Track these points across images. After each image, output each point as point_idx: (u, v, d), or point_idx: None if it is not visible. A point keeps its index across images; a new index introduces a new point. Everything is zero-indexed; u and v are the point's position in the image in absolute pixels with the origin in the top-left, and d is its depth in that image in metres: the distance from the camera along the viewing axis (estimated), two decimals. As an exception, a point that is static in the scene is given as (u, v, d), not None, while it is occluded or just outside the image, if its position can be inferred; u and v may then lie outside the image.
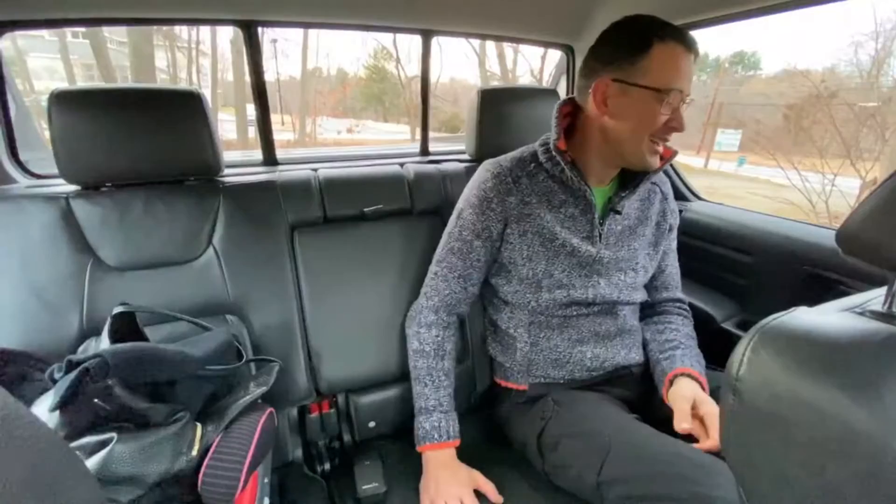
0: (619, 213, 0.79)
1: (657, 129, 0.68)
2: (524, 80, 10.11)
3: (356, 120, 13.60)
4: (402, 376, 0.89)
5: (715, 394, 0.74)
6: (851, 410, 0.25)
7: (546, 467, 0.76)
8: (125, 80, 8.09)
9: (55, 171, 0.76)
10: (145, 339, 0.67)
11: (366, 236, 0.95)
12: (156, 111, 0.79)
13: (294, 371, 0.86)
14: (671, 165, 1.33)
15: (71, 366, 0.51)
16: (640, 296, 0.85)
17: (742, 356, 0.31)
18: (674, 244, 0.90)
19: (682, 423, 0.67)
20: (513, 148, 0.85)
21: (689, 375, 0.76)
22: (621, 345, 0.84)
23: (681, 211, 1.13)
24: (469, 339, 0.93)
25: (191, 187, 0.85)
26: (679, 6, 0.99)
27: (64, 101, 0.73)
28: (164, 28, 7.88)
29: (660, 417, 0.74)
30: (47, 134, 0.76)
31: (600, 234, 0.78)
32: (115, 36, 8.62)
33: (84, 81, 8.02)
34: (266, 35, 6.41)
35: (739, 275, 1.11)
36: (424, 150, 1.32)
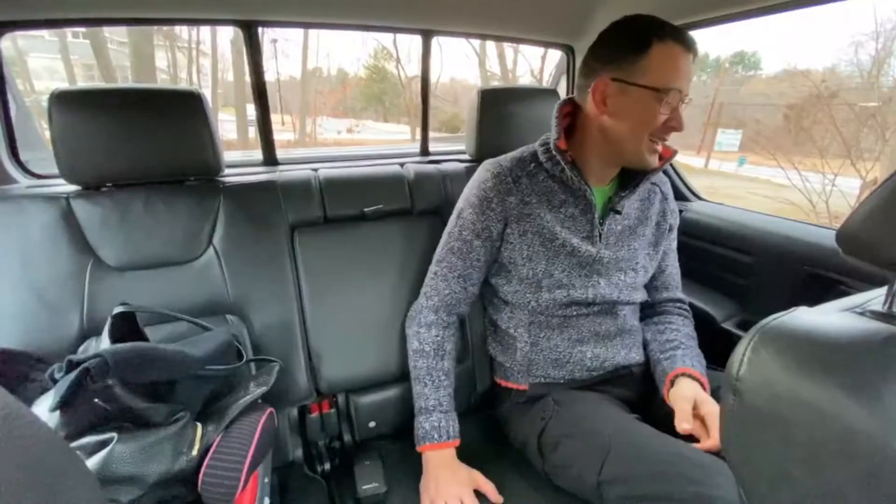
0: (619, 212, 0.79)
1: (656, 128, 0.69)
2: (524, 80, 10.12)
3: (356, 120, 13.60)
4: (403, 376, 0.89)
5: (715, 394, 0.74)
6: (851, 410, 0.25)
7: (546, 467, 0.76)
8: (126, 80, 8.09)
9: (55, 171, 0.76)
10: (145, 339, 0.67)
11: (366, 236, 0.95)
12: (156, 111, 0.79)
13: (294, 371, 0.86)
14: (671, 165, 1.33)
15: (71, 366, 0.51)
16: (640, 296, 0.85)
17: (742, 356, 0.31)
18: (674, 244, 0.90)
19: (683, 423, 0.67)
20: (513, 148, 0.85)
21: (690, 375, 0.76)
22: (621, 345, 0.84)
23: (681, 211, 1.13)
24: (469, 339, 0.93)
25: (191, 187, 0.85)
26: (679, 6, 0.99)
27: (64, 102, 0.73)
28: (165, 28, 7.88)
29: (660, 417, 0.74)
30: (48, 134, 0.76)
31: (600, 234, 0.78)
32: (115, 36, 8.63)
33: (84, 81, 8.03)
34: (266, 35, 6.42)
35: (740, 275, 1.11)
36: (424, 150, 1.32)
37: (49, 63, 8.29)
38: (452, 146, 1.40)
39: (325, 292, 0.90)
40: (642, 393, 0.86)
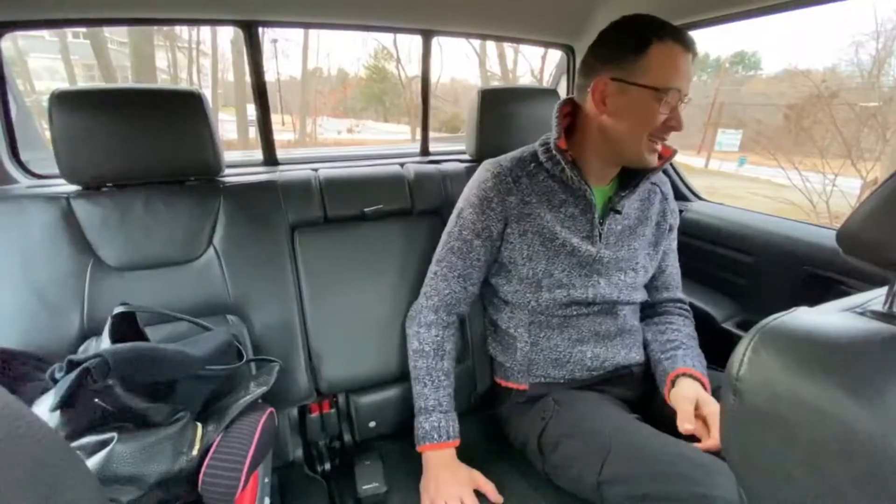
0: (619, 212, 0.79)
1: (656, 127, 0.69)
2: (524, 80, 10.12)
3: (356, 120, 13.61)
4: (403, 376, 0.89)
5: (716, 394, 0.74)
6: (852, 410, 0.25)
7: (546, 467, 0.76)
8: (126, 80, 8.09)
9: (56, 171, 0.76)
10: (146, 339, 0.67)
11: (366, 236, 0.95)
12: (156, 111, 0.79)
13: (294, 371, 0.86)
14: (671, 165, 1.33)
15: (71, 366, 0.51)
16: (640, 296, 0.85)
17: (742, 356, 0.31)
18: (674, 244, 0.90)
19: (685, 423, 0.67)
20: (513, 148, 0.85)
21: (690, 376, 0.76)
22: (621, 344, 0.84)
23: (681, 211, 1.13)
24: (469, 339, 0.93)
25: (191, 187, 0.85)
26: (679, 6, 0.99)
27: (65, 102, 0.73)
28: (165, 28, 7.88)
29: (660, 417, 0.74)
30: (48, 134, 0.76)
31: (600, 234, 0.78)
32: (115, 36, 8.63)
33: (85, 82, 8.04)
34: (266, 35, 6.42)
35: (740, 275, 1.11)
36: (425, 150, 1.32)
37: (49, 63, 8.30)
38: (452, 146, 1.40)
39: (326, 292, 0.90)
40: (642, 393, 0.86)
